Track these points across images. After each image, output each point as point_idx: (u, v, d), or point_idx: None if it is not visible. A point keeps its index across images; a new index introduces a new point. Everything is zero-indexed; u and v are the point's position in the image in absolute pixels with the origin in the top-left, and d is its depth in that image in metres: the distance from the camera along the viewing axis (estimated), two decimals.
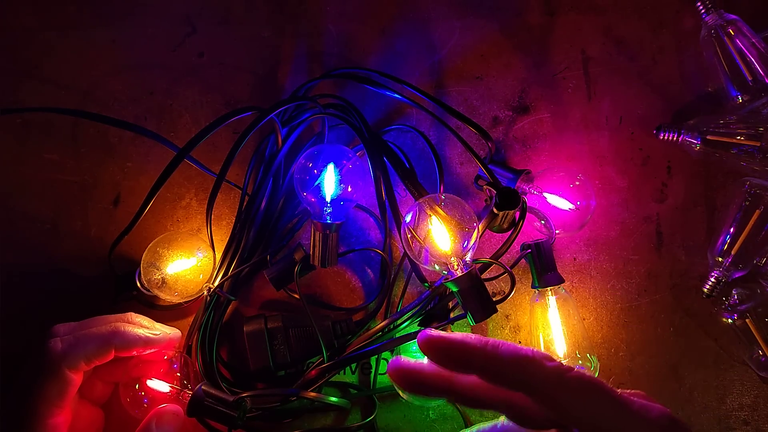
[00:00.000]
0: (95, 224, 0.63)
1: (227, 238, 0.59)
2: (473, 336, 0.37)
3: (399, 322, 0.55)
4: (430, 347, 0.38)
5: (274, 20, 0.67)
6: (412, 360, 0.40)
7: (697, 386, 0.59)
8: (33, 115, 0.65)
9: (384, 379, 0.59)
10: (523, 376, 0.35)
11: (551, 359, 0.36)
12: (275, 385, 0.58)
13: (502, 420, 0.41)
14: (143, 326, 0.55)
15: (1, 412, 0.50)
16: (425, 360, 0.39)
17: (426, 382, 0.38)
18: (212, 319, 0.57)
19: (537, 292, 0.58)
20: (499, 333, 0.60)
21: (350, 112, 0.59)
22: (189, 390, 0.54)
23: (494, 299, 0.51)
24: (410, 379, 0.39)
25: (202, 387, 0.52)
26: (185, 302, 0.59)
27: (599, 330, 0.61)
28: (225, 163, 0.54)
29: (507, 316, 0.61)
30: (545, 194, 0.58)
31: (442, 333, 0.38)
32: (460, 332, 0.39)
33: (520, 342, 0.60)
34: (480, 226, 0.53)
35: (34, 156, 0.65)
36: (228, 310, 0.60)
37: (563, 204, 0.57)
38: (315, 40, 0.66)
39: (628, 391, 0.38)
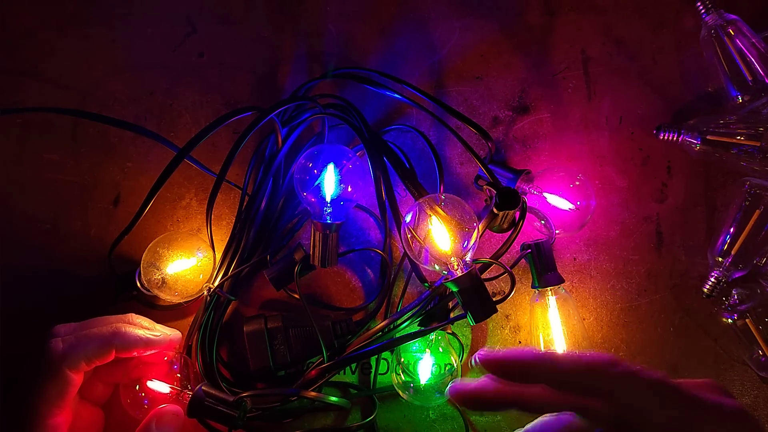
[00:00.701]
0: (95, 224, 0.63)
1: (227, 238, 0.59)
2: (527, 350, 0.38)
3: (399, 322, 0.55)
4: (491, 365, 0.39)
5: (274, 20, 0.67)
6: (471, 381, 0.40)
7: None
8: (33, 115, 0.65)
9: (384, 379, 0.59)
10: (590, 385, 0.36)
11: (616, 364, 0.36)
12: (275, 385, 0.58)
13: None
14: (144, 327, 0.55)
15: (2, 412, 0.50)
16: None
17: (492, 399, 0.39)
18: (212, 319, 0.57)
19: (537, 292, 0.58)
20: (499, 333, 0.60)
21: (350, 112, 0.59)
22: (189, 390, 0.54)
23: (494, 299, 0.51)
24: (476, 399, 0.40)
25: (203, 387, 0.52)
26: (185, 302, 0.59)
27: (599, 330, 0.61)
28: (225, 163, 0.54)
29: (507, 316, 0.61)
30: (545, 194, 0.58)
31: (498, 350, 0.39)
32: (514, 347, 0.39)
33: (519, 342, 0.60)
34: (480, 226, 0.53)
35: (34, 156, 0.65)
36: (228, 310, 0.60)
37: (563, 204, 0.57)
38: (315, 40, 0.66)
39: (700, 381, 0.38)
